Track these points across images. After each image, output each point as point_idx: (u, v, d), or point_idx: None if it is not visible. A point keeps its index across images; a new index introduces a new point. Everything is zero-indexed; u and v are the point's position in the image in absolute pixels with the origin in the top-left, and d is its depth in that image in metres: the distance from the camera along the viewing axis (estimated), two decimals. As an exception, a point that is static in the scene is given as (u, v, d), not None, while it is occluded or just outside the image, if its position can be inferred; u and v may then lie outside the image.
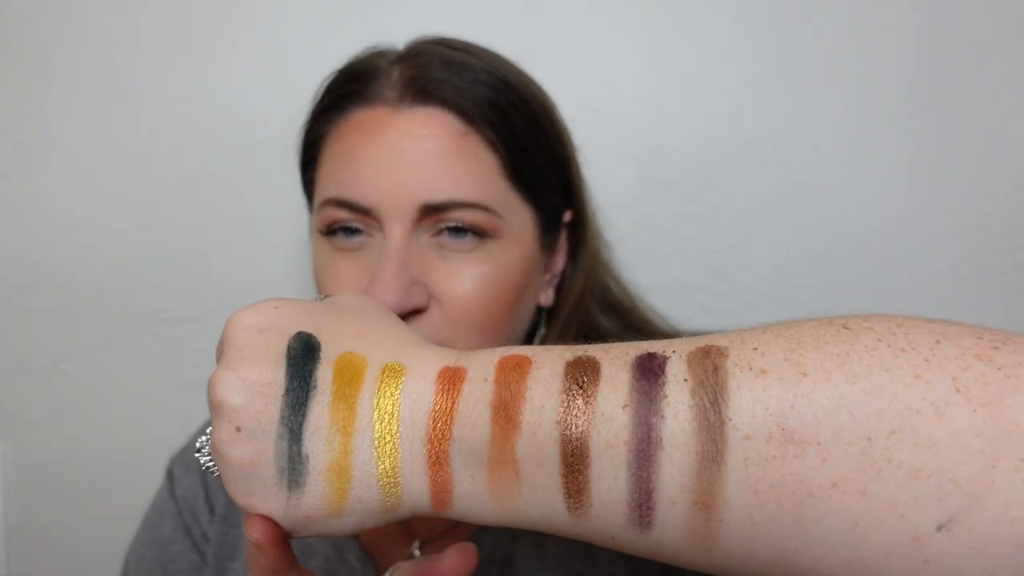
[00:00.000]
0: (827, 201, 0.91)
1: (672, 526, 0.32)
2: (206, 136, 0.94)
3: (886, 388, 0.30)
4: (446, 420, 0.35)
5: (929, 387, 0.29)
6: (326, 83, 0.66)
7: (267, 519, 0.37)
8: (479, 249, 0.60)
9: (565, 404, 0.33)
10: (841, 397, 0.30)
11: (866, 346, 0.31)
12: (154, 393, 0.98)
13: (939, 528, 0.29)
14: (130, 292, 0.97)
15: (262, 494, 0.36)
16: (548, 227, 0.66)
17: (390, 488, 0.36)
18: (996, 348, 0.30)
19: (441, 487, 0.36)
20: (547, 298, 0.70)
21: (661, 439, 0.31)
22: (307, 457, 0.36)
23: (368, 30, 0.81)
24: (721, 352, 0.32)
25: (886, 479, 0.29)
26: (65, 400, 0.99)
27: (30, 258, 0.97)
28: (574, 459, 0.33)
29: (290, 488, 0.36)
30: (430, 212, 0.59)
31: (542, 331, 0.72)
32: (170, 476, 0.74)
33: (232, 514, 0.70)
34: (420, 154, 0.59)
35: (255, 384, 0.36)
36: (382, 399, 0.36)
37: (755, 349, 0.32)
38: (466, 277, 0.59)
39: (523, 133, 0.63)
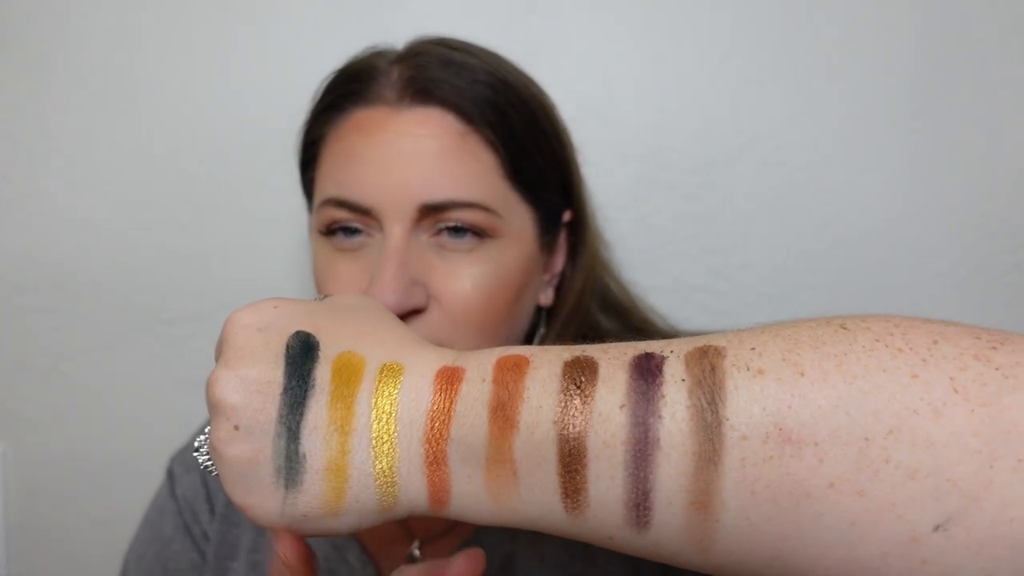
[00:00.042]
0: (827, 201, 0.91)
1: (669, 526, 0.32)
2: (206, 136, 0.94)
3: (884, 388, 0.29)
4: (444, 420, 0.35)
5: (927, 387, 0.29)
6: (325, 83, 0.66)
7: (297, 538, 0.37)
8: (478, 249, 0.60)
9: (563, 404, 0.33)
10: (839, 397, 0.30)
11: (864, 346, 0.31)
12: (154, 393, 0.98)
13: (936, 528, 0.29)
14: (130, 292, 0.97)
15: (259, 493, 0.36)
16: (547, 227, 0.66)
17: (387, 488, 0.36)
18: (994, 348, 0.30)
19: (438, 487, 0.36)
20: (547, 298, 0.70)
21: (658, 439, 0.31)
22: (304, 456, 0.36)
23: (368, 30, 0.81)
24: (719, 352, 0.32)
25: (883, 479, 0.29)
26: (65, 400, 0.99)
27: (30, 258, 0.97)
28: (571, 459, 0.33)
29: (287, 487, 0.36)
30: (429, 212, 0.59)
31: (542, 331, 0.72)
32: (170, 475, 0.74)
33: (232, 513, 0.70)
34: (419, 154, 0.59)
35: (253, 383, 0.36)
36: (380, 399, 0.36)
37: (753, 349, 0.32)
38: (465, 277, 0.59)
39: (522, 133, 0.63)
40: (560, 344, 0.37)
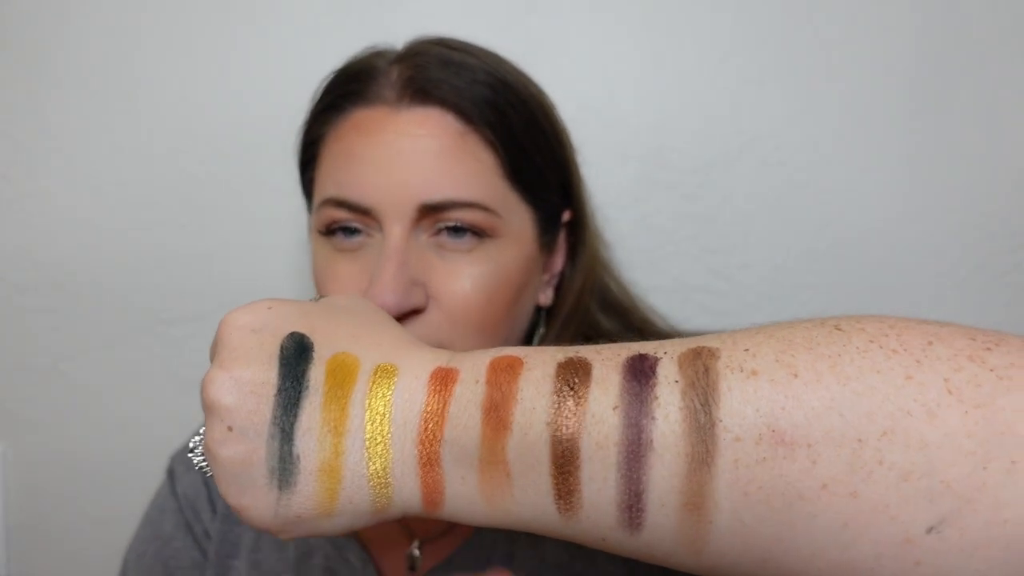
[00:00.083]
0: (827, 201, 0.91)
1: (662, 528, 0.32)
2: (206, 136, 0.94)
3: (877, 389, 0.29)
4: (437, 421, 0.35)
5: (921, 388, 0.29)
6: (325, 83, 0.66)
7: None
8: (478, 249, 0.60)
9: (556, 405, 0.33)
10: (832, 399, 0.30)
11: (858, 347, 0.31)
12: (154, 393, 0.98)
13: (930, 530, 0.29)
14: (130, 292, 0.97)
15: (253, 494, 0.36)
16: (547, 227, 0.66)
17: (381, 489, 0.36)
18: (989, 349, 0.30)
19: (432, 488, 0.36)
20: (546, 298, 0.70)
21: (651, 440, 0.31)
22: (298, 457, 0.36)
23: (368, 30, 0.81)
24: (712, 353, 0.32)
25: (877, 481, 0.29)
26: (65, 400, 0.99)
27: (30, 258, 0.97)
28: (564, 460, 0.33)
29: (281, 488, 0.36)
30: (429, 212, 0.59)
31: (541, 331, 0.72)
32: (171, 474, 0.75)
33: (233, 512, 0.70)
34: (419, 154, 0.59)
35: (248, 384, 0.36)
36: (374, 400, 0.36)
37: (746, 350, 0.32)
38: (465, 277, 0.59)
39: (522, 133, 0.63)
40: (560, 344, 0.37)
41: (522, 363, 0.35)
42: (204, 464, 0.39)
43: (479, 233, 0.60)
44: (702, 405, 0.31)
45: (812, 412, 0.30)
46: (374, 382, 0.37)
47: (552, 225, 0.67)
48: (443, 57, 0.62)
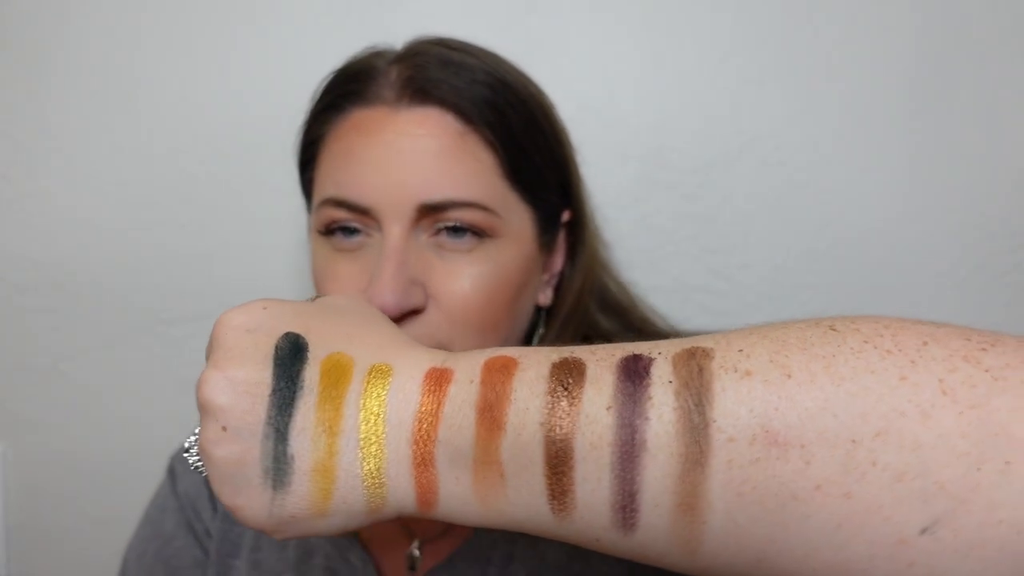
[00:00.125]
0: (827, 201, 0.91)
1: (656, 528, 0.32)
2: (206, 136, 0.94)
3: (871, 390, 0.29)
4: (432, 421, 0.35)
5: (915, 389, 0.29)
6: (324, 83, 0.66)
7: None
8: (477, 249, 0.60)
9: (550, 406, 0.33)
10: (826, 399, 0.30)
11: (852, 348, 0.31)
12: (154, 393, 0.98)
13: (924, 531, 0.29)
14: (130, 292, 0.97)
15: (247, 494, 0.36)
16: (546, 227, 0.66)
17: (375, 489, 0.36)
18: (984, 350, 0.30)
19: (426, 488, 0.36)
20: (546, 298, 0.70)
21: (645, 441, 0.31)
22: (292, 457, 0.36)
23: (368, 30, 0.81)
24: (707, 354, 0.32)
25: (870, 481, 0.29)
26: (65, 400, 0.99)
27: (30, 258, 0.97)
28: (558, 461, 0.33)
29: (275, 488, 0.36)
30: (428, 212, 0.59)
31: (541, 331, 0.71)
32: (171, 472, 0.75)
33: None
34: (418, 154, 0.59)
35: (242, 384, 0.36)
36: (368, 400, 0.36)
37: (741, 351, 0.32)
38: (464, 277, 0.59)
39: (521, 133, 0.63)
40: (559, 345, 0.37)
41: (516, 363, 0.35)
42: (200, 463, 0.39)
43: (478, 233, 0.60)
44: (696, 405, 0.31)
45: (806, 413, 0.30)
46: (368, 382, 0.37)
47: (551, 225, 0.67)
48: (442, 57, 0.62)
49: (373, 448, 0.36)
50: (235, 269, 0.96)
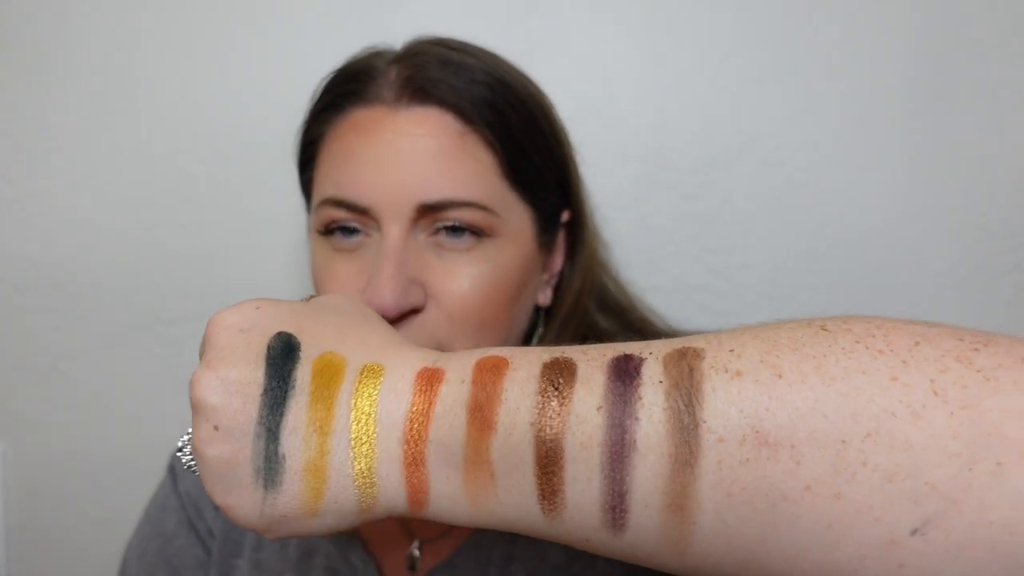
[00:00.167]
0: (827, 201, 0.91)
1: (646, 528, 0.32)
2: (206, 136, 0.94)
3: (862, 390, 0.29)
4: (423, 421, 0.35)
5: (906, 389, 0.29)
6: (324, 83, 0.66)
7: None
8: (477, 248, 0.60)
9: (540, 406, 0.33)
10: (816, 399, 0.29)
11: (843, 348, 0.30)
12: (154, 393, 0.98)
13: (914, 532, 0.29)
14: (130, 292, 0.97)
15: (239, 493, 0.36)
16: (546, 227, 0.66)
17: (366, 488, 0.36)
18: (976, 350, 0.30)
19: (417, 488, 0.36)
20: (545, 298, 0.70)
21: (635, 441, 0.31)
22: (284, 457, 0.36)
23: (368, 30, 0.81)
24: (697, 354, 0.32)
25: (861, 482, 0.29)
26: (65, 400, 0.99)
27: (30, 258, 0.97)
28: (548, 461, 0.33)
29: (266, 488, 0.36)
30: (427, 211, 0.59)
31: (540, 331, 0.72)
32: (172, 471, 0.75)
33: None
34: (417, 154, 0.59)
35: (234, 384, 0.36)
36: (359, 399, 0.36)
37: (731, 351, 0.32)
38: (464, 276, 0.59)
39: (520, 133, 0.63)
40: (558, 344, 0.37)
41: (508, 363, 0.35)
42: (192, 463, 0.39)
43: (478, 233, 0.60)
44: (686, 406, 0.31)
45: (796, 413, 0.30)
46: (360, 382, 0.37)
47: (551, 225, 0.67)
48: (442, 57, 0.62)
49: (364, 448, 0.36)
50: (235, 269, 0.96)
